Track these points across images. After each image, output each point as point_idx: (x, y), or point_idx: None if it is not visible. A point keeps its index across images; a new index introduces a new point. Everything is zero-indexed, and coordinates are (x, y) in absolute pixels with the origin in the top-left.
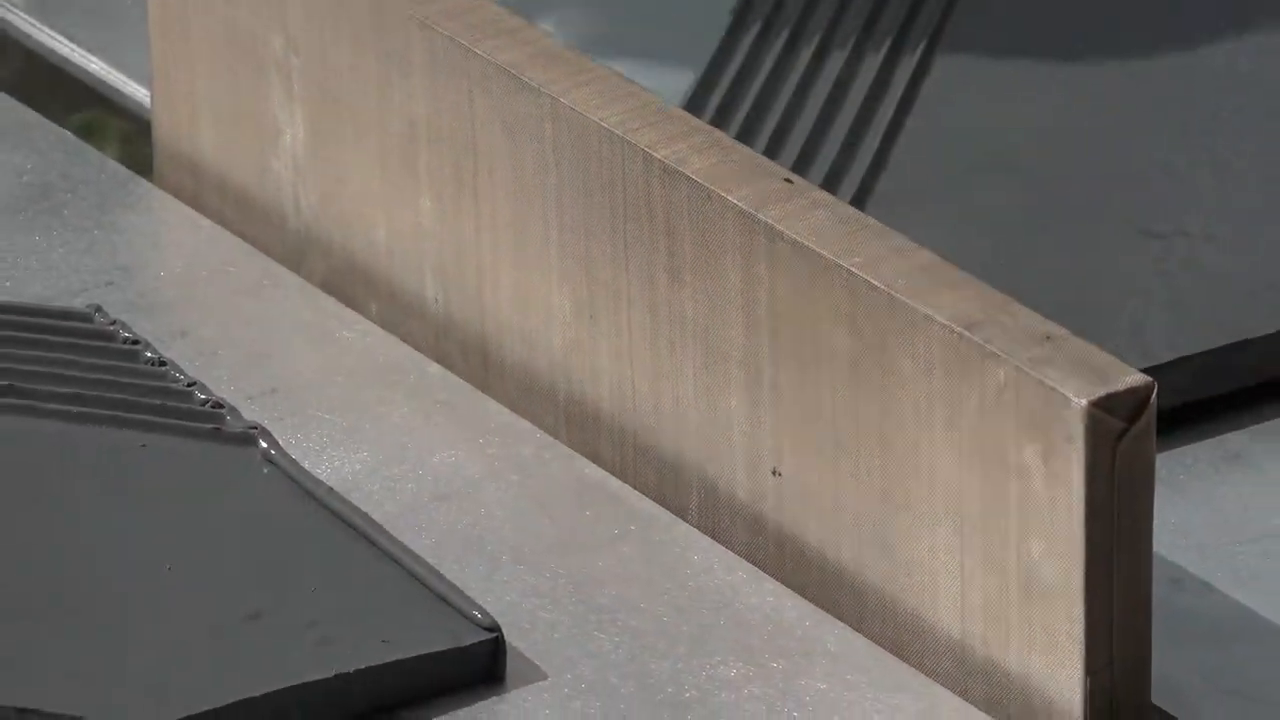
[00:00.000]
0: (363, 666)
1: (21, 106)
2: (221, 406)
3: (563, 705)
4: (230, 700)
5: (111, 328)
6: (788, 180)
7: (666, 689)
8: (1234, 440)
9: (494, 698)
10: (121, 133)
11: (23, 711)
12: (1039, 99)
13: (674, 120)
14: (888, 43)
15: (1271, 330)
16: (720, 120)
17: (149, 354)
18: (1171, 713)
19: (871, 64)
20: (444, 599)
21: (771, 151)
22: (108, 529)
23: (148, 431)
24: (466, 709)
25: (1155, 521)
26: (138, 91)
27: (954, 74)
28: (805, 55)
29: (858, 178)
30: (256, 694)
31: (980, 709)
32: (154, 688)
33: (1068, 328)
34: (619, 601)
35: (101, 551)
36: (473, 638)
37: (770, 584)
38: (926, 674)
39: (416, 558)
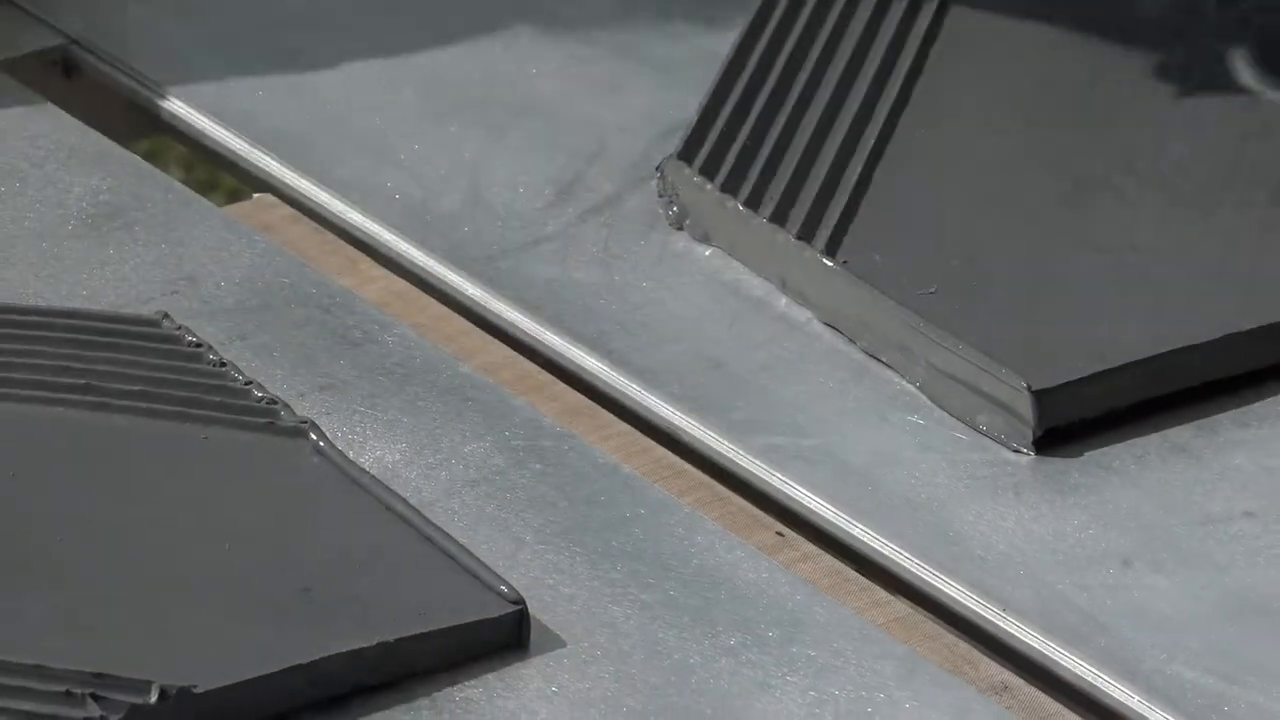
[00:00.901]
0: (401, 636)
1: (98, 134)
2: (275, 403)
3: (580, 670)
4: (284, 666)
5: (177, 332)
6: (779, 534)
7: (673, 655)
8: (1179, 434)
9: (518, 663)
10: (183, 157)
11: (98, 675)
12: (1005, 132)
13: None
14: (870, 76)
15: (1211, 337)
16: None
17: (211, 356)
18: (1125, 680)
19: (856, 96)
20: (474, 575)
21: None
22: (173, 512)
23: (208, 425)
24: (494, 673)
25: (1109, 507)
26: (201, 121)
27: (930, 109)
28: (807, 70)
29: (846, 193)
30: (307, 660)
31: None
32: (216, 655)
33: (1029, 335)
34: (630, 577)
35: (168, 532)
36: (499, 609)
37: (765, 561)
38: None
39: (449, 538)
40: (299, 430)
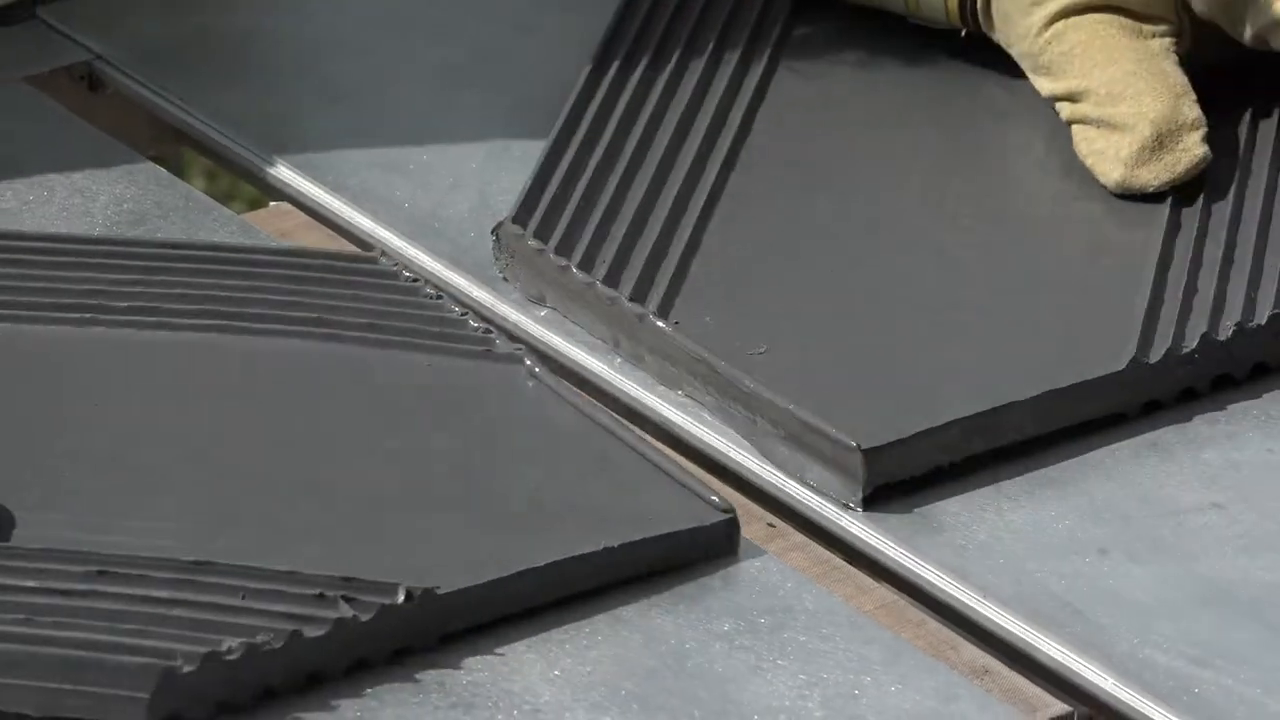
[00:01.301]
0: (625, 541)
1: (123, 146)
2: (490, 332)
3: (581, 654)
4: (519, 569)
5: (394, 269)
6: (771, 525)
7: (670, 640)
8: (1152, 434)
9: (521, 644)
10: (204, 168)
11: (348, 579)
12: (830, 192)
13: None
14: (700, 136)
15: (1033, 394)
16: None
17: (427, 290)
18: (1099, 663)
19: (687, 156)
20: (686, 487)
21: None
22: (405, 432)
23: (432, 354)
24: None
25: (1085, 499)
26: (220, 134)
27: (758, 170)
28: (619, 169)
29: (677, 254)
30: (540, 563)
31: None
32: (455, 560)
33: (857, 393)
34: None
35: (402, 450)
36: (712, 517)
37: (758, 551)
38: None
39: (661, 453)
40: (514, 356)
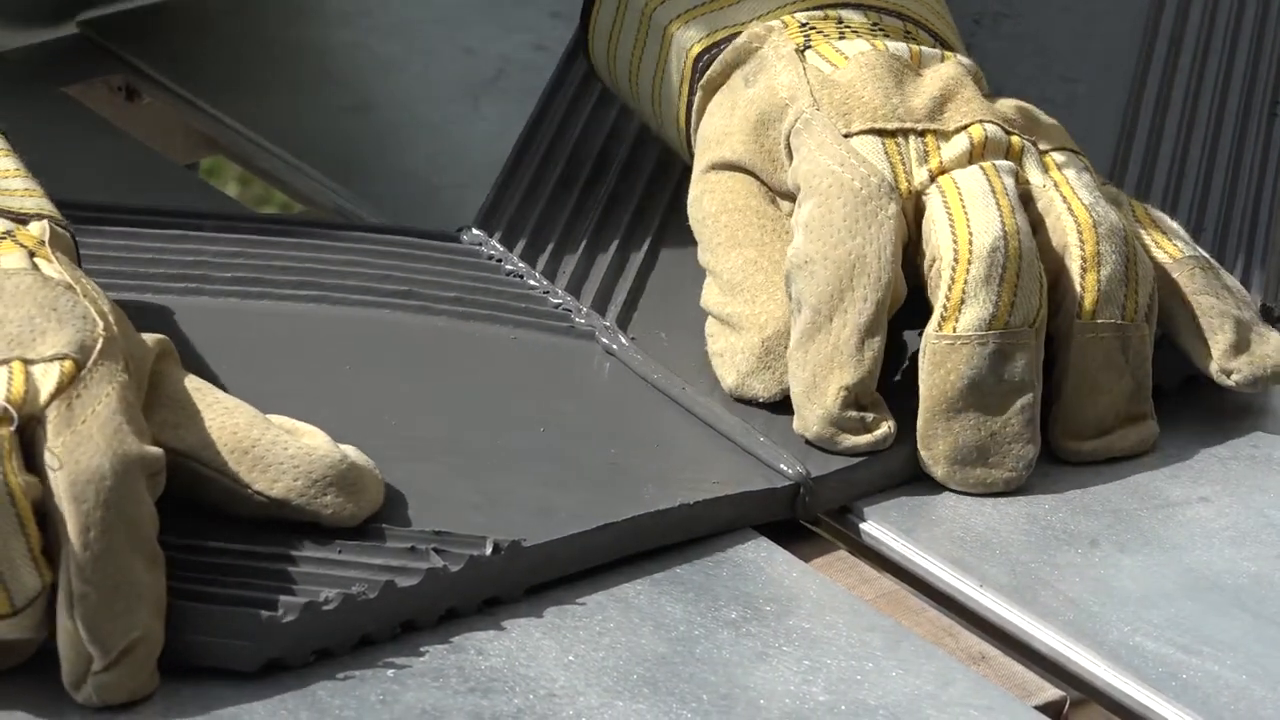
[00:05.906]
0: (699, 500)
1: (157, 153)
2: (570, 309)
3: (594, 640)
4: (600, 524)
5: (478, 247)
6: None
7: (679, 627)
8: None
9: (537, 630)
10: (237, 175)
11: (438, 533)
12: None
13: None
14: (657, 151)
15: None
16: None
17: (508, 266)
18: (1091, 651)
19: (644, 169)
20: (754, 454)
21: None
22: (492, 400)
23: (516, 327)
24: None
25: (1076, 492)
26: (249, 143)
27: None
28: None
29: (634, 269)
30: (620, 518)
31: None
32: (539, 515)
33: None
34: (642, 555)
35: (488, 416)
36: (779, 482)
37: (764, 542)
38: None
39: (729, 423)
40: (591, 333)
